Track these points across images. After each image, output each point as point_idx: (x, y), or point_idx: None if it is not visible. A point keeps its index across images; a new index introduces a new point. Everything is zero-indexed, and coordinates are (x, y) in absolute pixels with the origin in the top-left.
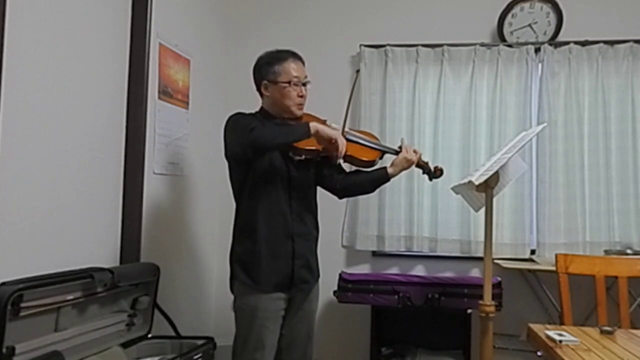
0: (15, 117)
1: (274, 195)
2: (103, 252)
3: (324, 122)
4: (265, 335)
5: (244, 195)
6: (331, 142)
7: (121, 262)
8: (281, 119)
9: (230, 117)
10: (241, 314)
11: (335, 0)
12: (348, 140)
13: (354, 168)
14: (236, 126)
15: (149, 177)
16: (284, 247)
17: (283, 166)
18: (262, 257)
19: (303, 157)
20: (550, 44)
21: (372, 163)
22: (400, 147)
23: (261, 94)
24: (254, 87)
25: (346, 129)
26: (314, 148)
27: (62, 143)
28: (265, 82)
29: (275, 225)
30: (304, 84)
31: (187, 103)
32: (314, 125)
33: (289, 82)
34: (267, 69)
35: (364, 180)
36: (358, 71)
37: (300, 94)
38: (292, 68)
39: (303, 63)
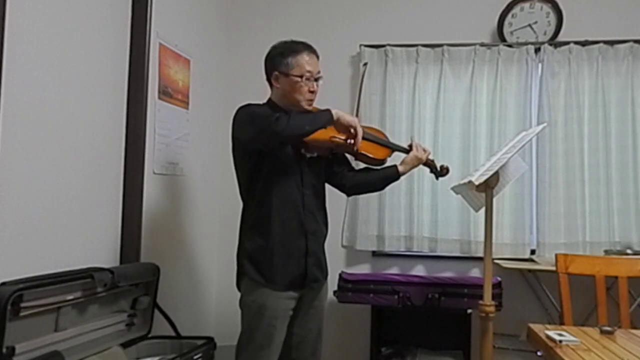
0: (15, 117)
1: (286, 191)
2: (103, 252)
3: None
4: (272, 333)
5: (254, 191)
6: (349, 130)
7: (121, 262)
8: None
9: (242, 109)
10: (248, 311)
11: (335, 0)
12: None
13: (361, 165)
14: (256, 116)
15: (148, 177)
16: (297, 245)
17: (295, 162)
18: (275, 254)
19: (315, 154)
20: (550, 44)
21: (383, 161)
22: (410, 146)
23: (271, 85)
24: (260, 79)
25: None
26: (326, 146)
27: (62, 143)
28: (276, 73)
29: (288, 222)
30: (317, 80)
31: (187, 103)
32: (335, 112)
33: (301, 77)
34: (279, 59)
35: (374, 178)
36: (366, 64)
37: (312, 89)
38: (305, 62)
39: (317, 57)
